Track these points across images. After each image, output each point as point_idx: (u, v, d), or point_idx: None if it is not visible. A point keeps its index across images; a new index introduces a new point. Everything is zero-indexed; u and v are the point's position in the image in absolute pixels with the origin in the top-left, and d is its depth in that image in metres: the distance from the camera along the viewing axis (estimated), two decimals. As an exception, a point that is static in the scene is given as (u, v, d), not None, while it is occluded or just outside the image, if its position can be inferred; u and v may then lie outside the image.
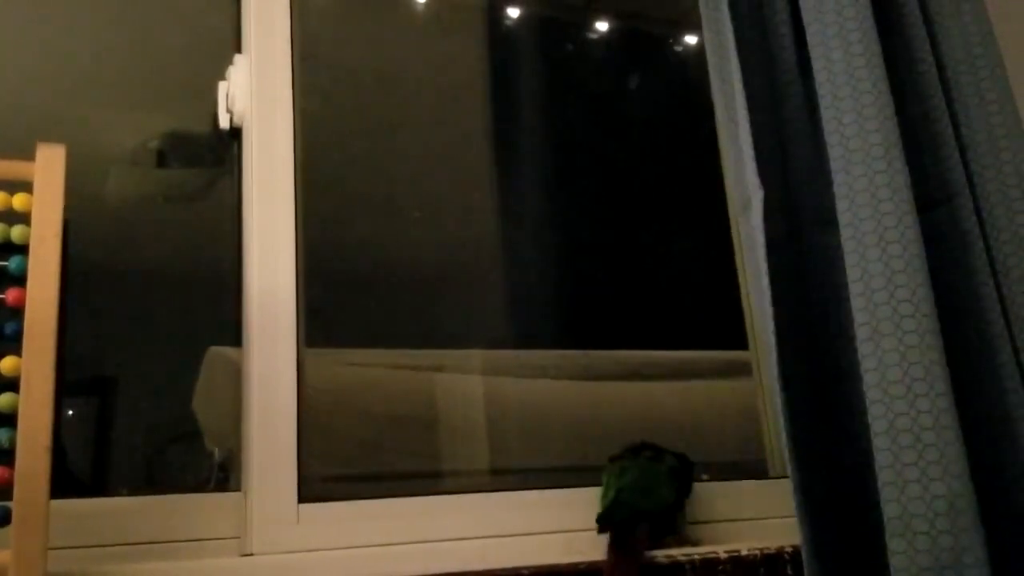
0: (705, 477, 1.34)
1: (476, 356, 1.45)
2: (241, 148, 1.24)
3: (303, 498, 1.10)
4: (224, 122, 1.25)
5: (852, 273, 1.03)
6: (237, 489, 1.12)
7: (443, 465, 1.35)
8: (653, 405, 1.57)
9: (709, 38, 1.21)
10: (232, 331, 1.20)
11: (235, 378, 1.17)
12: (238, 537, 1.07)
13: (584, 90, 1.70)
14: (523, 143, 1.61)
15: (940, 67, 1.19)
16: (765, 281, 1.06)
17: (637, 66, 1.78)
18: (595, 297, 1.58)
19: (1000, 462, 1.01)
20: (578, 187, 1.62)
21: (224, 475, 1.18)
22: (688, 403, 1.59)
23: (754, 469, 1.45)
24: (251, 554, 1.05)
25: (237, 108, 1.23)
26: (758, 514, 1.25)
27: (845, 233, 1.05)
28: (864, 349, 1.00)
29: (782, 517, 1.17)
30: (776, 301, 1.06)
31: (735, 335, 1.51)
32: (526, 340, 1.52)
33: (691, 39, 1.79)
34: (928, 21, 1.21)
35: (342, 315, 1.37)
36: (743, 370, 1.51)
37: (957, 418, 0.96)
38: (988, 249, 1.12)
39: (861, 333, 1.01)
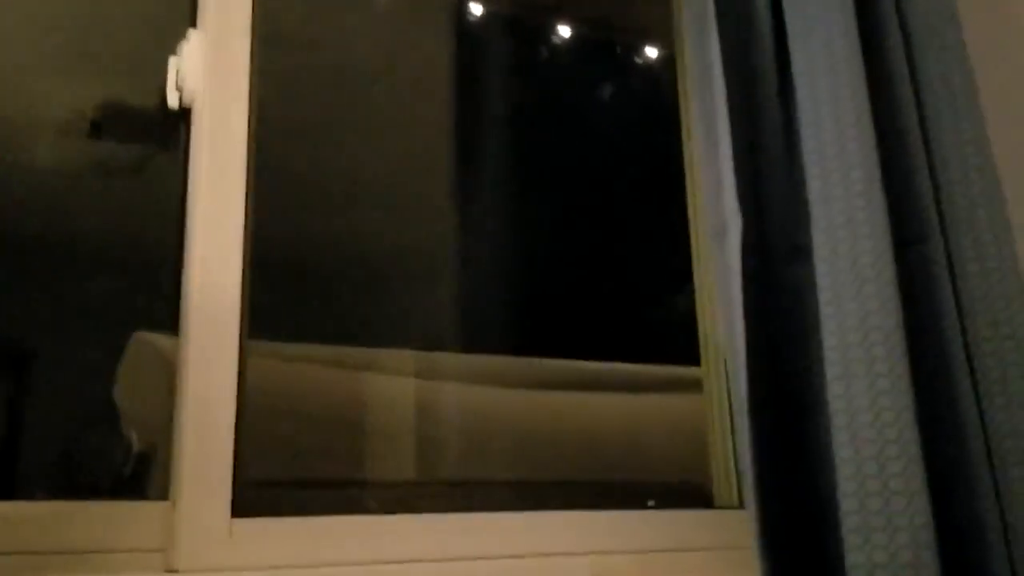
0: (651, 504, 1.31)
1: (411, 358, 1.40)
2: (190, 129, 1.16)
3: (237, 512, 1.02)
4: (172, 100, 1.16)
5: (825, 310, 1.01)
6: (158, 487, 1.04)
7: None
8: (598, 418, 1.54)
9: (692, 55, 1.17)
10: (163, 316, 1.11)
11: (161, 367, 1.10)
12: (163, 550, 1.00)
13: (548, 92, 1.68)
14: (485, 141, 1.57)
15: (919, 104, 1.18)
16: (738, 310, 1.03)
17: (600, 71, 1.76)
18: (548, 303, 1.55)
19: (963, 514, 1.00)
20: (538, 190, 1.60)
21: (143, 468, 1.13)
22: (635, 418, 1.56)
23: (698, 494, 1.42)
24: (176, 571, 0.98)
25: (188, 86, 1.15)
26: (703, 545, 1.23)
27: (820, 268, 1.03)
28: (835, 389, 0.98)
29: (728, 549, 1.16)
30: (748, 330, 1.03)
31: (688, 350, 1.48)
32: (474, 342, 1.49)
33: (652, 51, 1.77)
34: (910, 57, 1.19)
35: (287, 309, 1.31)
36: (693, 386, 1.48)
37: (924, 467, 0.94)
38: (956, 293, 1.10)
39: (831, 372, 0.99)
